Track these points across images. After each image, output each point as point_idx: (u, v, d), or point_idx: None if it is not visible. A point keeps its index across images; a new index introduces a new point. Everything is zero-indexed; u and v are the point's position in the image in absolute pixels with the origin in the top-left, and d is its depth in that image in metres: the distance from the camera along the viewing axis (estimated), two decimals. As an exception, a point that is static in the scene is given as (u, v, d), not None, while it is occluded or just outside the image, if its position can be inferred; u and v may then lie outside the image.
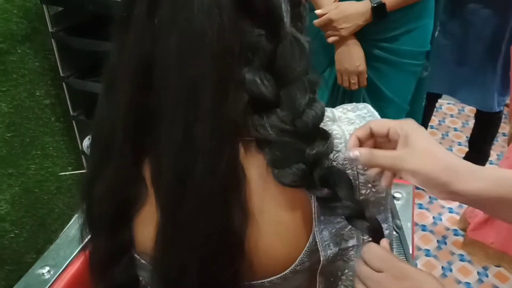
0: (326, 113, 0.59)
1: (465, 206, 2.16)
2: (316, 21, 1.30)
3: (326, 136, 0.54)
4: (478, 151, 2.18)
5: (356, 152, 0.52)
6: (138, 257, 0.61)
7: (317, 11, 1.30)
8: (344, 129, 0.58)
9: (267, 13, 0.51)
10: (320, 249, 0.57)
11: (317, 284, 0.62)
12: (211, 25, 0.48)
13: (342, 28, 1.28)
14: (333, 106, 0.63)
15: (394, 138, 0.52)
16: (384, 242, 0.54)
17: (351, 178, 0.56)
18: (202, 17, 0.48)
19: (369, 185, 0.57)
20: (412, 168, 0.49)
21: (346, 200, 0.53)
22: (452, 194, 0.49)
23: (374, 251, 0.52)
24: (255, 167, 0.54)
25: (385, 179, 0.54)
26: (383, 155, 0.52)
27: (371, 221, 0.54)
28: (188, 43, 0.49)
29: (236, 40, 0.49)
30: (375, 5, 1.25)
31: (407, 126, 0.52)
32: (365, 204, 0.56)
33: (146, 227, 0.58)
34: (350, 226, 0.58)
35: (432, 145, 0.50)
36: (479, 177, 0.49)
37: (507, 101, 2.01)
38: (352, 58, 1.32)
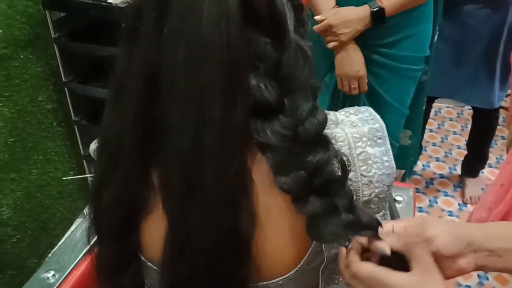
0: (329, 116, 0.60)
1: (464, 209, 2.17)
2: (315, 27, 1.31)
3: (327, 143, 0.54)
4: (476, 153, 2.19)
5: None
6: (145, 261, 0.62)
7: (317, 17, 1.31)
8: (347, 131, 0.59)
9: (273, 21, 0.52)
10: (324, 249, 0.58)
11: (319, 281, 0.63)
12: (219, 35, 0.48)
13: (341, 34, 1.29)
14: (334, 110, 0.64)
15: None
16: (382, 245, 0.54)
17: (353, 179, 0.57)
18: (211, 27, 0.48)
19: (372, 186, 0.58)
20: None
21: (345, 211, 0.53)
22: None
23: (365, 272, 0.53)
24: (261, 170, 0.55)
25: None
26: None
27: (370, 226, 0.54)
28: (196, 53, 0.49)
29: (244, 49, 0.50)
30: (374, 10, 1.26)
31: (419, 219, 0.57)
32: (363, 209, 0.56)
33: (153, 232, 0.58)
34: None
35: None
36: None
37: (503, 103, 2.02)
38: (352, 63, 1.33)
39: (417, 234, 0.54)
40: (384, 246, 0.53)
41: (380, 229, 0.54)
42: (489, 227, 0.58)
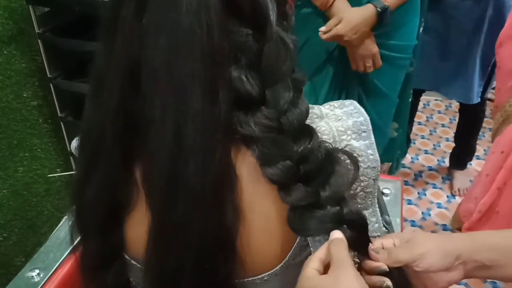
0: (313, 110, 0.60)
1: (453, 201, 2.18)
2: (324, 37, 1.31)
3: (311, 133, 0.54)
4: (464, 145, 2.21)
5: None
6: (129, 259, 0.61)
7: (322, 28, 1.31)
8: (331, 125, 0.59)
9: (254, 12, 0.52)
10: (310, 245, 0.58)
11: None
12: (200, 25, 0.48)
13: (352, 40, 1.30)
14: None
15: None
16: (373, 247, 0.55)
17: None
18: (191, 17, 0.48)
19: (357, 179, 0.58)
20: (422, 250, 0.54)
21: (330, 204, 0.53)
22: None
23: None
24: (245, 165, 0.54)
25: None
26: (396, 249, 0.56)
27: (357, 223, 0.55)
28: (177, 43, 0.49)
29: (225, 40, 0.50)
30: (381, 10, 1.28)
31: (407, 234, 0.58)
32: (351, 205, 0.56)
33: (136, 230, 0.58)
34: None
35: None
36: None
37: (489, 95, 2.04)
38: (364, 44, 1.35)
39: (406, 253, 0.55)
40: (381, 264, 0.54)
41: (370, 246, 0.55)
42: (477, 238, 0.58)
